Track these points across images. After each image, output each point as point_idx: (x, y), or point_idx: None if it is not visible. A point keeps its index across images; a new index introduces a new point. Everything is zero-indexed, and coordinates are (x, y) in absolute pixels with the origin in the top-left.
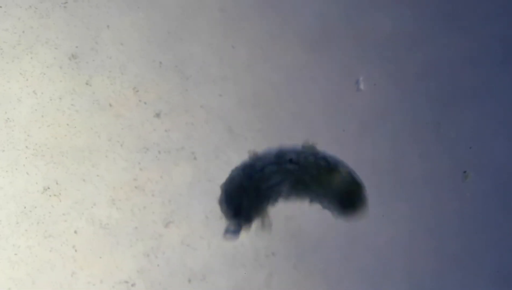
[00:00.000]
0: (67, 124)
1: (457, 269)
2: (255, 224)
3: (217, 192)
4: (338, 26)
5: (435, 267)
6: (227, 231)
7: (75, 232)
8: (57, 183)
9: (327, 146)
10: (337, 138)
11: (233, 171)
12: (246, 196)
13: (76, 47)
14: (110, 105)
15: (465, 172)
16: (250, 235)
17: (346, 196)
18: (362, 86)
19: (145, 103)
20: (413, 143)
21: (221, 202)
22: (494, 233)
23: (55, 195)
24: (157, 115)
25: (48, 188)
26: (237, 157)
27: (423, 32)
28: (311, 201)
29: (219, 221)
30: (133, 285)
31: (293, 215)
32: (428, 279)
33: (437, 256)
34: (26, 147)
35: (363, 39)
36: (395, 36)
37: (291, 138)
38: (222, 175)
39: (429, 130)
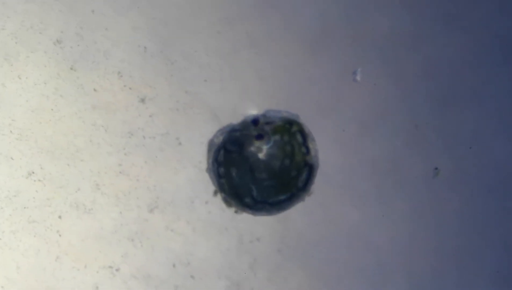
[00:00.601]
0: (52, 109)
1: (457, 269)
2: None
3: (202, 177)
4: (338, 26)
5: (435, 267)
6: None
7: (59, 217)
8: (41, 168)
9: (327, 146)
10: (337, 138)
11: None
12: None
13: (61, 32)
14: (95, 90)
15: (436, 168)
16: (235, 221)
17: None
18: (358, 77)
19: (130, 88)
20: (413, 143)
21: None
22: (494, 233)
23: (39, 180)
24: (142, 100)
25: (33, 173)
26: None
27: (423, 32)
28: None
29: (204, 206)
30: (117, 270)
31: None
32: (428, 279)
33: (437, 256)
34: (11, 132)
35: (363, 39)
36: (395, 36)
37: None
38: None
39: (429, 130)
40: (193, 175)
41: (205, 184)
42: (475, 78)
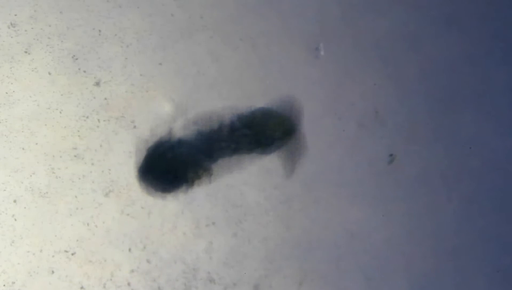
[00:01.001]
0: (6, 93)
1: (456, 269)
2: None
3: None
4: (338, 26)
5: (435, 267)
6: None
7: (14, 201)
8: None
9: (327, 146)
10: (337, 138)
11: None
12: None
13: (15, 15)
14: (49, 73)
15: (391, 155)
16: (191, 205)
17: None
18: (322, 52)
19: (84, 71)
20: (413, 143)
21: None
22: (494, 233)
23: None
24: (97, 84)
25: None
26: (178, 126)
27: (423, 32)
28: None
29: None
30: (73, 254)
31: (234, 184)
32: (428, 278)
33: (437, 256)
34: None
35: (363, 39)
36: (395, 36)
37: None
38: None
39: (429, 130)
40: None
41: None
42: (475, 78)
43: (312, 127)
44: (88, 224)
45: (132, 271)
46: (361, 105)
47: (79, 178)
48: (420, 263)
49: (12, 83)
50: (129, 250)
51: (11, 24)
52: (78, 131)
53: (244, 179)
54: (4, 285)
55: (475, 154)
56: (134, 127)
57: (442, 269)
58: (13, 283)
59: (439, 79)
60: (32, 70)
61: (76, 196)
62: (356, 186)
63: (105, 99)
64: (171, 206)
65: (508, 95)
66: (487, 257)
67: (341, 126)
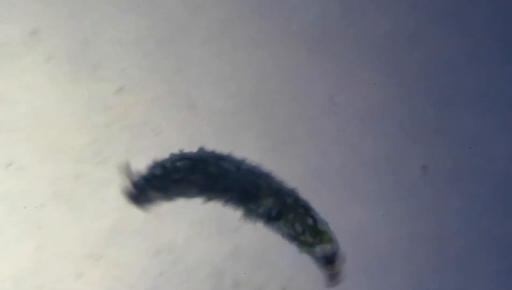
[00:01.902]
0: (28, 100)
1: (457, 269)
2: None
3: None
4: (338, 26)
5: (435, 267)
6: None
7: (41, 206)
8: (20, 159)
9: (327, 146)
10: (337, 138)
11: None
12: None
13: (36, 23)
14: (71, 81)
15: (424, 167)
16: (217, 208)
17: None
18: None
19: (105, 79)
20: (413, 143)
21: None
22: (494, 233)
23: (17, 170)
24: (118, 91)
25: (12, 163)
26: (199, 133)
27: (423, 32)
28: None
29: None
30: (100, 258)
31: None
32: (428, 278)
33: (437, 255)
34: None
35: (363, 39)
36: (395, 36)
37: (289, 139)
38: (186, 150)
39: (429, 130)
40: None
41: None
42: (475, 78)
43: (312, 127)
44: (114, 228)
45: (160, 274)
46: (361, 105)
47: (104, 183)
48: (421, 263)
49: (35, 91)
50: (157, 253)
51: (32, 32)
52: (102, 138)
53: None
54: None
55: (475, 154)
56: (156, 134)
57: (442, 268)
58: (41, 287)
59: (439, 79)
60: (54, 78)
61: (101, 201)
62: (356, 186)
63: (128, 106)
64: (198, 210)
65: (508, 95)
66: (487, 257)
67: (341, 125)
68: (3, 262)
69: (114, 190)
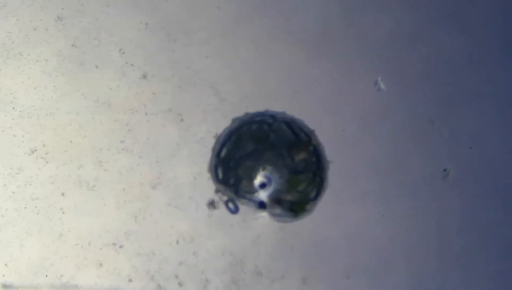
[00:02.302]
0: (54, 86)
1: (457, 269)
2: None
3: (204, 154)
4: (338, 26)
5: (436, 267)
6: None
7: (63, 194)
8: (44, 145)
9: (327, 146)
10: (337, 138)
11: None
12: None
13: (62, 9)
14: (97, 66)
15: (445, 170)
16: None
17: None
18: (382, 86)
19: (131, 64)
20: (413, 143)
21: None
22: (494, 232)
23: (42, 157)
24: (144, 77)
25: (35, 150)
26: (223, 120)
27: (423, 32)
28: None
29: (206, 182)
30: (121, 247)
31: None
32: (429, 278)
33: (437, 256)
34: (13, 108)
35: (363, 39)
36: (395, 36)
37: None
38: (209, 136)
39: (429, 130)
40: (196, 151)
41: (207, 160)
42: (475, 78)
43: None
44: (136, 217)
45: (180, 263)
46: (361, 105)
47: (127, 171)
48: (421, 263)
49: (59, 77)
50: (177, 242)
51: (58, 17)
52: (126, 124)
53: None
54: (52, 278)
55: (475, 154)
56: (181, 120)
57: (442, 268)
58: (62, 276)
59: (439, 79)
60: (80, 64)
61: (124, 189)
62: (356, 186)
63: (153, 93)
64: (217, 199)
65: (508, 95)
66: (487, 257)
67: (341, 125)
68: (24, 250)
69: (137, 178)
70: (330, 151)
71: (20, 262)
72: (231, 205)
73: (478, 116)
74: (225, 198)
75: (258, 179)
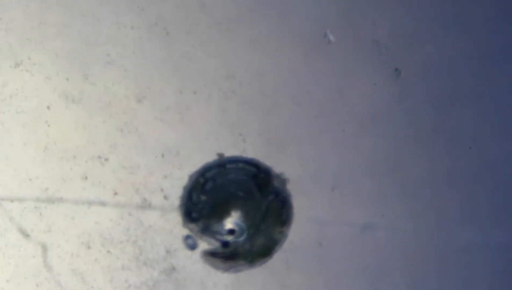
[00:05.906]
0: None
1: (457, 269)
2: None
3: (191, 66)
4: (338, 26)
5: (436, 267)
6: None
7: (48, 107)
8: (29, 58)
9: (327, 146)
10: (337, 138)
11: None
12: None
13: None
14: None
15: (396, 69)
16: (222, 113)
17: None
18: (331, 38)
19: None
20: (413, 143)
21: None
22: (494, 232)
23: (27, 70)
24: None
25: (21, 63)
26: (208, 33)
27: (423, 32)
28: None
29: (192, 96)
30: (106, 160)
31: None
32: (429, 279)
33: (438, 256)
34: None
35: (363, 39)
36: (395, 36)
37: (288, 139)
38: (194, 51)
39: (429, 130)
40: (182, 65)
41: (194, 74)
42: (475, 78)
43: (312, 127)
44: (121, 130)
45: (165, 177)
46: (361, 105)
47: (113, 84)
48: (420, 263)
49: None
50: (162, 156)
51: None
52: (113, 38)
53: None
54: (37, 191)
55: (475, 154)
56: (167, 34)
57: (442, 268)
58: (47, 189)
59: (439, 79)
60: None
61: (109, 102)
62: (356, 186)
63: (138, 7)
64: (206, 114)
65: (508, 95)
66: (487, 257)
67: (341, 125)
68: (9, 163)
69: (123, 90)
70: (330, 152)
71: (5, 175)
72: (190, 241)
73: (478, 116)
74: (184, 233)
75: (228, 225)
